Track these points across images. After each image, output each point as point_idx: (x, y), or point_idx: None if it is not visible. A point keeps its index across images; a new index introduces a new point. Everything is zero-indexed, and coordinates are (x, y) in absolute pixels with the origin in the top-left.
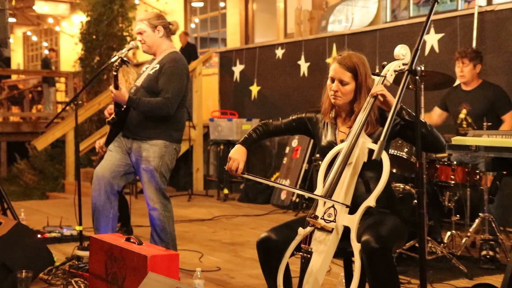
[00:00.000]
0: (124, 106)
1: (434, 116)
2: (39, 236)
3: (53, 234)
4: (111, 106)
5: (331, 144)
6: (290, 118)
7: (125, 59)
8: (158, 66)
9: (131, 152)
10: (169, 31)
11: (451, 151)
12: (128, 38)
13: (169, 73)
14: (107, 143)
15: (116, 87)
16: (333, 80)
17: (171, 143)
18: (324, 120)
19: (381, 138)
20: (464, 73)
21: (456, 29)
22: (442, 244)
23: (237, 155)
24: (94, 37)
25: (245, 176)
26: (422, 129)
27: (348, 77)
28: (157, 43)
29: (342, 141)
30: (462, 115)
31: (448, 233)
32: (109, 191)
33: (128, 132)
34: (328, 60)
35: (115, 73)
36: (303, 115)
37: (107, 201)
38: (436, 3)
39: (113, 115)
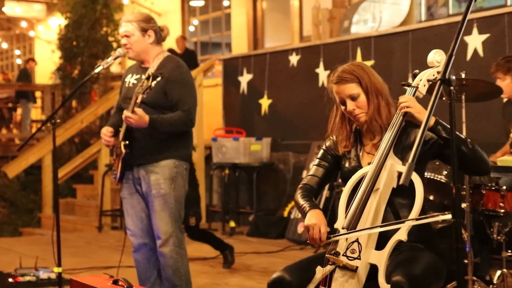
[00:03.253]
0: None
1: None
2: (10, 280)
3: (27, 278)
4: (105, 130)
5: (355, 169)
6: (315, 164)
7: (152, 74)
8: (159, 76)
9: (141, 182)
10: (159, 37)
11: (497, 174)
12: (114, 44)
13: (180, 82)
14: (121, 178)
15: (132, 111)
16: (343, 103)
17: (181, 162)
18: (348, 148)
19: (410, 160)
20: (504, 89)
21: (504, 28)
22: (491, 285)
23: (315, 219)
24: (74, 43)
25: (333, 239)
26: (462, 147)
27: (353, 88)
28: (146, 50)
29: (369, 164)
30: None
31: (498, 272)
32: (148, 242)
33: (132, 158)
34: None
35: (142, 95)
36: (323, 148)
37: (149, 251)
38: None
39: (123, 148)
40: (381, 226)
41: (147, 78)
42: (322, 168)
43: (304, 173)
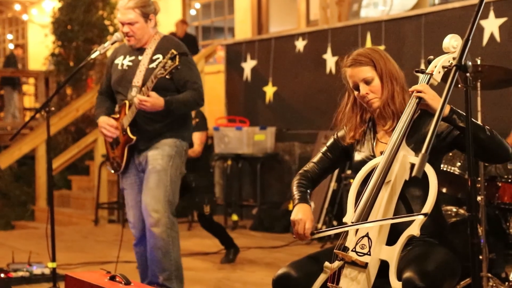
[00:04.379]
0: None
1: None
2: (2, 275)
3: (20, 273)
4: (108, 121)
5: (368, 158)
6: (322, 152)
7: (177, 52)
8: (160, 56)
9: (143, 168)
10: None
11: None
12: (111, 28)
13: (186, 62)
14: (125, 169)
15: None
16: (356, 87)
17: (182, 142)
18: (355, 138)
19: (423, 150)
20: None
21: None
22: (507, 283)
23: (301, 214)
24: (68, 27)
25: (317, 236)
26: (480, 134)
27: (368, 71)
28: (148, 33)
29: (382, 153)
30: None
31: None
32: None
33: (134, 148)
34: None
35: (167, 75)
36: (334, 138)
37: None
38: None
39: (131, 134)
40: (375, 221)
41: (172, 58)
42: (327, 158)
43: None
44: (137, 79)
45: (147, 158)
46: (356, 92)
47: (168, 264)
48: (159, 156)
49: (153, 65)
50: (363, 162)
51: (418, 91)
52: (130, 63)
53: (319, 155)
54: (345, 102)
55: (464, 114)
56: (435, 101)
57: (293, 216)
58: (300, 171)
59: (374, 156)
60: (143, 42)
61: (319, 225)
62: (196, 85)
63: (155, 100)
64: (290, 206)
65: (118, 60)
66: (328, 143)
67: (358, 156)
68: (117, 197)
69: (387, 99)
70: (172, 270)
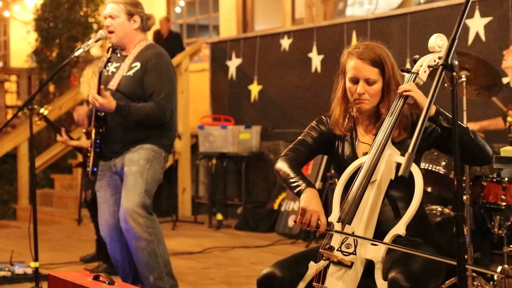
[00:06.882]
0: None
1: None
2: None
3: (1, 273)
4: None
5: (350, 159)
6: (302, 135)
7: (112, 46)
8: (138, 64)
9: (117, 170)
10: (145, 24)
11: (499, 165)
12: (95, 26)
13: (157, 71)
14: (93, 171)
15: (98, 92)
16: (354, 81)
17: (160, 149)
18: (336, 132)
19: (409, 150)
20: (508, 62)
21: (508, 11)
22: (491, 282)
23: (314, 205)
24: (51, 24)
25: (332, 232)
26: (464, 137)
27: (375, 73)
28: (130, 35)
29: (365, 154)
30: (510, 118)
31: (499, 268)
32: (122, 236)
33: (109, 152)
34: None
35: (104, 70)
36: (312, 124)
37: (124, 248)
38: None
39: (93, 134)
40: (373, 240)
41: (107, 51)
42: (309, 138)
43: None
44: (113, 83)
45: (123, 161)
46: (349, 84)
47: (155, 265)
48: (135, 159)
49: (130, 72)
50: (346, 162)
51: (407, 90)
52: (114, 70)
53: (300, 138)
54: (338, 86)
55: (449, 115)
56: (423, 99)
57: (305, 204)
58: (283, 155)
59: (356, 157)
60: (125, 43)
61: None
62: (159, 97)
63: (106, 101)
64: (276, 206)
65: (107, 67)
66: (307, 128)
67: (340, 156)
68: None
69: (379, 104)
70: (161, 270)
